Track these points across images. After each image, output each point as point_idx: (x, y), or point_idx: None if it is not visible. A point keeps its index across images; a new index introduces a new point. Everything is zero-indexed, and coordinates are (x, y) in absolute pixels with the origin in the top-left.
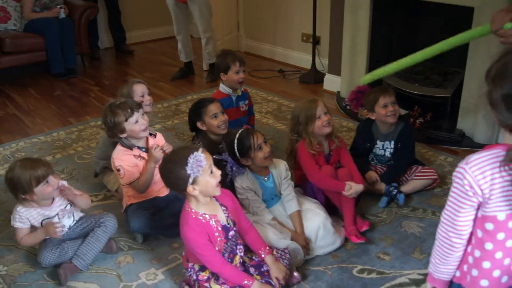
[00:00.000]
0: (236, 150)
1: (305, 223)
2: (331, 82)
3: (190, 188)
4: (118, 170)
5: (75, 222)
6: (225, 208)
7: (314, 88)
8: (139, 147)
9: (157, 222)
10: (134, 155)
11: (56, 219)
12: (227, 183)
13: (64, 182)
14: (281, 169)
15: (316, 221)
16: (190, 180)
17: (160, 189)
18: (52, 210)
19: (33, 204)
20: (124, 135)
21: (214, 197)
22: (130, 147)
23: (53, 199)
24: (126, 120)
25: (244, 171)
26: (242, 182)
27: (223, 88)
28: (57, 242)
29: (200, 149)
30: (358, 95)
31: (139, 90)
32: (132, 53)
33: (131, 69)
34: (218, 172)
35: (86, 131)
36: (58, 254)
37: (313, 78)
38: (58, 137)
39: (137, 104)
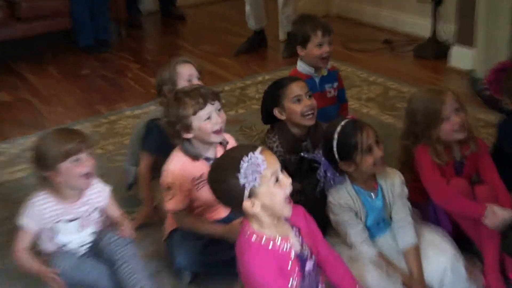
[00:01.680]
0: (335, 149)
1: (425, 263)
2: (460, 57)
3: (247, 204)
4: (169, 188)
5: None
6: (297, 230)
7: (435, 66)
8: (207, 158)
9: (212, 256)
10: (197, 171)
11: (74, 227)
12: (316, 194)
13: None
14: (395, 183)
15: (441, 261)
16: (246, 193)
17: (216, 210)
18: (75, 209)
19: (56, 193)
20: (189, 135)
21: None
22: (196, 156)
23: (82, 193)
24: (195, 113)
25: (343, 180)
26: (340, 196)
27: (301, 66)
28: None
29: (259, 149)
30: (501, 74)
31: (185, 73)
32: (184, 18)
33: (183, 41)
34: (286, 181)
35: (121, 123)
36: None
37: (433, 51)
38: (83, 130)
39: (213, 94)
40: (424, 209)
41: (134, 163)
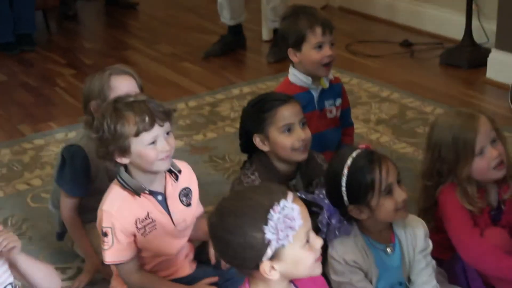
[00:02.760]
0: (344, 188)
1: None
2: (502, 66)
3: (265, 267)
4: (105, 234)
5: None
6: None
7: (468, 77)
8: (151, 192)
9: None
10: (142, 210)
11: None
12: None
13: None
14: (417, 234)
15: None
16: (269, 252)
17: (174, 264)
18: None
19: None
20: (125, 161)
21: (294, 284)
22: (137, 191)
23: None
24: (137, 134)
25: (350, 230)
26: (346, 251)
27: (295, 75)
28: None
29: (290, 195)
30: None
31: (121, 88)
32: (135, 7)
33: (133, 38)
34: (319, 243)
35: (50, 149)
36: None
37: (467, 57)
38: None
39: (164, 112)
40: (451, 268)
41: (58, 205)
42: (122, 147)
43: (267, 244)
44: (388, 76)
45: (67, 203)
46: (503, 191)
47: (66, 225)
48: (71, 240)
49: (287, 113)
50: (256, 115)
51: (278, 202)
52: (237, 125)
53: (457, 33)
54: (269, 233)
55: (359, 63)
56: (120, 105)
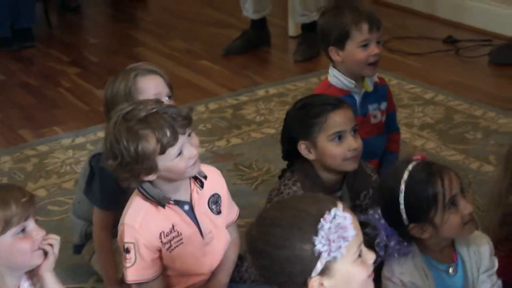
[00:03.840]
0: (402, 206)
1: None
2: None
3: (314, 284)
4: (127, 251)
5: None
6: None
7: None
8: (178, 202)
9: None
10: (167, 222)
11: None
12: None
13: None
14: (481, 253)
15: None
16: (319, 266)
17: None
18: None
19: None
20: (151, 178)
21: None
22: (161, 202)
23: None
24: (163, 151)
25: (409, 251)
26: (403, 272)
27: (336, 77)
28: None
29: (340, 204)
30: None
31: (150, 89)
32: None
33: (144, 33)
34: (371, 257)
35: (55, 156)
36: None
37: None
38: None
39: (183, 118)
40: None
41: (83, 215)
42: (148, 168)
43: (317, 257)
44: (432, 76)
45: (99, 218)
46: None
47: (94, 242)
48: (89, 254)
49: (339, 120)
50: (303, 120)
51: (329, 211)
52: (264, 130)
53: (508, 29)
54: (319, 244)
55: (398, 62)
56: (133, 124)
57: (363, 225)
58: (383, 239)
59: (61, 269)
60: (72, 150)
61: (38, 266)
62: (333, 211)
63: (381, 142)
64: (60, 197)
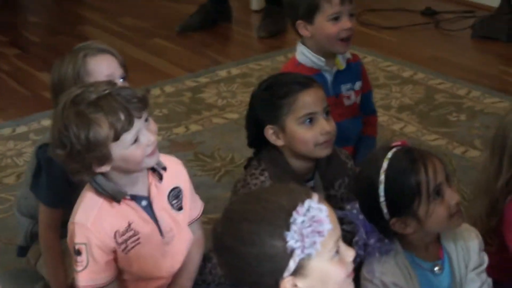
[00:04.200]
0: (382, 199)
1: None
2: None
3: (286, 284)
4: (78, 253)
5: None
6: None
7: (508, 51)
8: (135, 198)
9: None
10: (122, 220)
11: None
12: None
13: None
14: (470, 248)
15: None
16: (292, 265)
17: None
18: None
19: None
20: (105, 169)
21: None
22: (116, 197)
23: None
24: (117, 137)
25: (391, 248)
26: (385, 271)
27: (304, 54)
28: None
29: (315, 195)
30: None
31: (102, 71)
32: None
33: (89, 9)
34: (350, 254)
35: None
36: None
37: (506, 28)
38: None
39: (139, 100)
40: None
41: (28, 212)
42: (101, 157)
43: (289, 254)
44: (410, 52)
45: (45, 216)
46: None
47: (41, 244)
48: (34, 257)
49: (309, 100)
50: (270, 102)
51: (302, 203)
52: (226, 114)
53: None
54: (292, 240)
55: (372, 37)
56: (83, 107)
57: (339, 221)
58: (362, 236)
59: (3, 274)
60: (13, 141)
61: None
62: (306, 202)
63: (356, 125)
64: (1, 193)
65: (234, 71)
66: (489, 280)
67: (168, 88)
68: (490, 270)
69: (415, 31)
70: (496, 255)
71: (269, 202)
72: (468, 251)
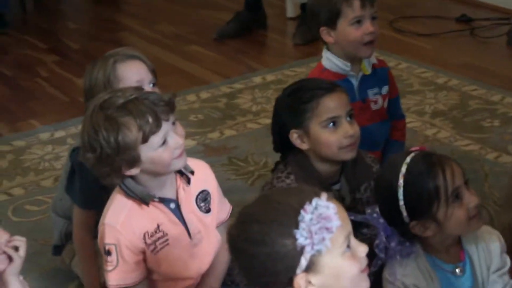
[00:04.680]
0: (401, 202)
1: None
2: None
3: (300, 282)
4: (108, 253)
5: None
6: None
7: None
8: (163, 200)
9: None
10: (151, 222)
11: None
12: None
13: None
14: (492, 250)
15: None
16: (304, 262)
17: (199, 279)
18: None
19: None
20: (134, 172)
21: None
22: (145, 199)
23: None
24: (145, 140)
25: (412, 251)
26: (405, 273)
27: (329, 60)
28: None
29: (324, 194)
30: None
31: (132, 76)
32: None
33: (128, 17)
34: (362, 250)
35: (33, 152)
36: None
37: None
38: None
39: (166, 104)
40: None
41: (64, 213)
42: (130, 159)
43: (300, 252)
44: (444, 59)
45: (79, 217)
46: None
47: (75, 244)
48: (69, 257)
49: (333, 104)
50: (294, 107)
51: (310, 201)
52: (261, 120)
53: None
54: (301, 238)
55: (406, 43)
56: (112, 111)
57: (361, 225)
58: (383, 239)
59: (39, 274)
60: (51, 145)
61: (3, 271)
62: (314, 201)
63: (383, 130)
64: (38, 196)
65: (269, 77)
66: None
67: (204, 94)
68: None
69: (450, 38)
70: None
71: (279, 203)
72: (489, 253)
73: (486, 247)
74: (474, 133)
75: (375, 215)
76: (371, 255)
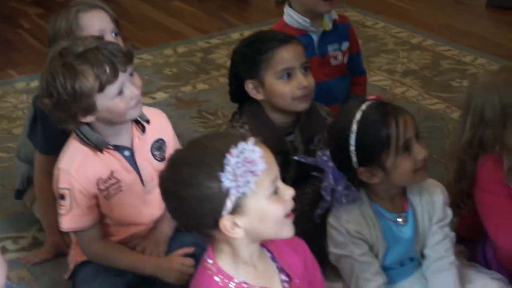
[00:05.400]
0: (352, 147)
1: None
2: None
3: (226, 223)
4: (62, 197)
5: None
6: (286, 280)
7: None
8: (118, 148)
9: None
10: (105, 168)
11: None
12: (314, 217)
13: None
14: (435, 202)
15: None
16: (229, 204)
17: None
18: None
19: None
20: (90, 119)
21: (271, 251)
22: (99, 146)
23: None
24: (102, 89)
25: (357, 197)
26: (349, 220)
27: (290, 16)
28: None
29: (251, 139)
30: None
31: (93, 25)
32: None
33: None
34: (288, 193)
35: (8, 100)
36: None
37: None
38: None
39: (124, 55)
40: (472, 247)
41: (26, 158)
42: (86, 107)
43: (225, 194)
44: (423, 20)
45: (40, 162)
46: None
47: (35, 188)
48: (30, 201)
49: (287, 55)
50: (250, 57)
51: (236, 145)
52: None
53: None
54: (226, 180)
55: (387, 4)
56: (70, 59)
57: (312, 168)
58: (330, 183)
59: (2, 218)
60: (26, 94)
61: None
62: (240, 145)
63: (343, 85)
64: (9, 143)
65: (247, 33)
66: (452, 235)
67: (181, 49)
68: (462, 229)
69: (429, 0)
70: (468, 217)
71: (206, 147)
72: (432, 205)
73: (430, 199)
74: (442, 93)
75: (325, 158)
76: (318, 199)
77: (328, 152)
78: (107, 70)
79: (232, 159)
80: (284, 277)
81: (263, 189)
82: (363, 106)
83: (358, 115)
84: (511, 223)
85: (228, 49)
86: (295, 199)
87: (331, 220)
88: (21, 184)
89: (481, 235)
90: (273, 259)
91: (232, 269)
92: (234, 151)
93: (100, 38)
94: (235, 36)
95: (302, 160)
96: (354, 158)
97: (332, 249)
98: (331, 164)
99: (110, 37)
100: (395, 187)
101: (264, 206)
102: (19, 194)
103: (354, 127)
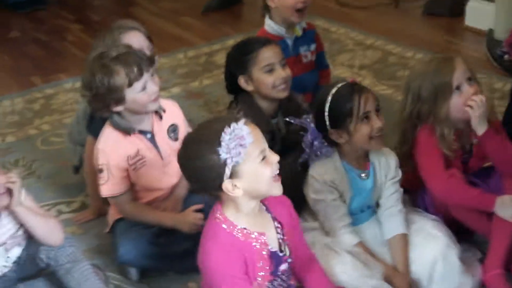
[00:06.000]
0: (326, 113)
1: (413, 253)
2: (479, 14)
3: (227, 185)
4: (101, 170)
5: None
6: (279, 226)
7: (449, 25)
8: (142, 132)
9: (163, 248)
10: (132, 147)
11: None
12: (297, 166)
13: (15, 184)
14: (390, 164)
15: (431, 250)
16: (228, 171)
17: (164, 196)
18: None
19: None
20: (120, 108)
21: (266, 206)
22: (128, 131)
23: None
24: (130, 84)
25: (331, 153)
26: (325, 171)
27: (269, 25)
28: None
29: (242, 120)
30: None
31: (133, 43)
32: None
33: None
34: (274, 158)
35: (59, 98)
36: None
37: (448, 6)
38: (12, 107)
39: (147, 58)
40: (414, 196)
41: (80, 142)
42: (118, 98)
43: (224, 164)
44: (374, 26)
45: (91, 145)
46: (475, 135)
47: (85, 167)
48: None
49: (268, 54)
50: (240, 57)
51: (229, 126)
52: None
53: None
54: (223, 153)
55: (347, 14)
56: (107, 61)
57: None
58: (309, 138)
59: (57, 187)
60: (72, 93)
61: (8, 204)
62: (232, 125)
63: (312, 77)
64: (60, 130)
65: (240, 39)
66: (401, 190)
67: (190, 53)
68: (407, 182)
69: (380, 10)
70: (410, 173)
71: (209, 128)
72: (388, 166)
73: (386, 161)
74: (389, 81)
75: (308, 119)
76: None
77: (311, 116)
78: (135, 70)
79: (226, 136)
80: (277, 224)
81: (253, 158)
82: (339, 84)
83: (333, 90)
84: (440, 174)
85: (226, 52)
86: (280, 164)
87: (311, 172)
88: (79, 161)
89: (420, 186)
90: (268, 210)
91: (235, 219)
92: (227, 130)
93: (129, 46)
94: (230, 42)
95: (292, 121)
96: (327, 122)
97: (312, 195)
98: (312, 125)
99: (146, 51)
100: (358, 149)
101: (255, 168)
102: (77, 169)
103: (329, 98)
